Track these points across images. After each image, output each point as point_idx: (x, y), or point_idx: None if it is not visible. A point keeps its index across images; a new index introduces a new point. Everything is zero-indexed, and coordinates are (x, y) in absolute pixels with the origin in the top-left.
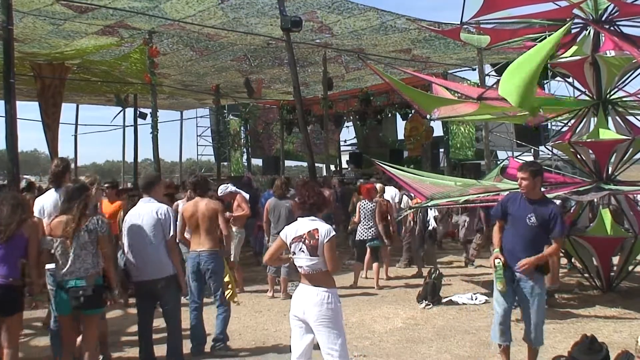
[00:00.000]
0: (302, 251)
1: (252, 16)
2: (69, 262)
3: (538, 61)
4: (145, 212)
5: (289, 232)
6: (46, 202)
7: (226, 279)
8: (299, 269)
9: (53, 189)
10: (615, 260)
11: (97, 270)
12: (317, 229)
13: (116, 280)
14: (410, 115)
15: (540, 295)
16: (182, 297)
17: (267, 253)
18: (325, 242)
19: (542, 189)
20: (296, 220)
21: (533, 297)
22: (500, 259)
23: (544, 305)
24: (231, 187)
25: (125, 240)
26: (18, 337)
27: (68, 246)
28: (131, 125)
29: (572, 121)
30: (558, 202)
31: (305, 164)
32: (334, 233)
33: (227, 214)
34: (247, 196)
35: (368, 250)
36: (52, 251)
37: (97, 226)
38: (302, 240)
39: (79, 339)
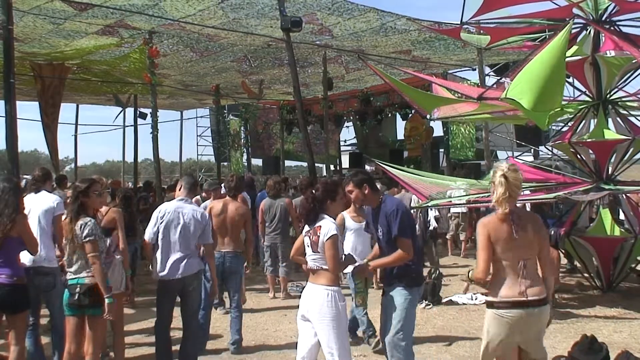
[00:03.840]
0: (308, 246)
1: (252, 17)
2: (68, 262)
3: (553, 66)
4: (187, 212)
5: (306, 227)
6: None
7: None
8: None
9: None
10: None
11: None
12: (320, 226)
13: (105, 287)
14: (410, 115)
15: (399, 309)
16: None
17: (293, 247)
18: (325, 240)
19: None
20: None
21: (393, 310)
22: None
23: (404, 322)
24: None
25: (159, 236)
26: (24, 335)
27: (68, 247)
28: (131, 125)
29: (572, 121)
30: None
31: (305, 164)
32: (334, 232)
33: None
34: (248, 197)
35: None
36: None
37: (79, 231)
38: (309, 235)
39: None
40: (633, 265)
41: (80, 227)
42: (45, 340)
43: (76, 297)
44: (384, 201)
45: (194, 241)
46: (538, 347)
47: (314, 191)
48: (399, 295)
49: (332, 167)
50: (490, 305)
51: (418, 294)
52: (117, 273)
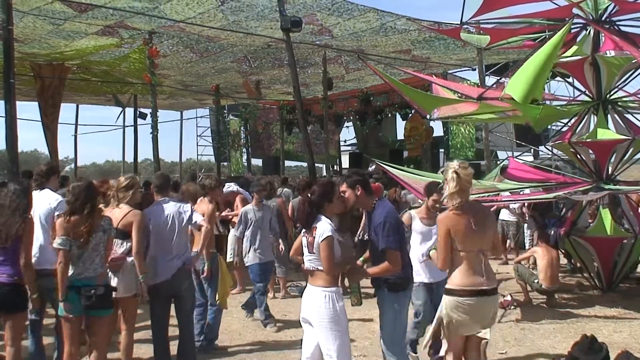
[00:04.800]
0: (305, 246)
1: (252, 19)
2: (79, 262)
3: (543, 59)
4: (168, 212)
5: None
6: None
7: (226, 280)
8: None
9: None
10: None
11: (103, 270)
12: (316, 227)
13: (142, 268)
14: (410, 115)
15: (388, 313)
16: None
17: (292, 247)
18: (320, 241)
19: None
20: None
21: (383, 314)
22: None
23: (394, 325)
24: (233, 187)
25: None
26: (21, 336)
27: (83, 247)
28: (131, 125)
29: (572, 121)
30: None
31: (305, 164)
32: (330, 233)
33: (224, 213)
34: (249, 196)
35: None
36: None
37: (109, 227)
38: (305, 235)
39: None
40: (630, 268)
41: (110, 222)
42: (48, 340)
43: (93, 299)
44: (375, 208)
45: (181, 239)
46: (493, 327)
47: (309, 195)
48: (386, 300)
49: (332, 167)
50: (450, 292)
51: (406, 296)
52: (131, 275)
